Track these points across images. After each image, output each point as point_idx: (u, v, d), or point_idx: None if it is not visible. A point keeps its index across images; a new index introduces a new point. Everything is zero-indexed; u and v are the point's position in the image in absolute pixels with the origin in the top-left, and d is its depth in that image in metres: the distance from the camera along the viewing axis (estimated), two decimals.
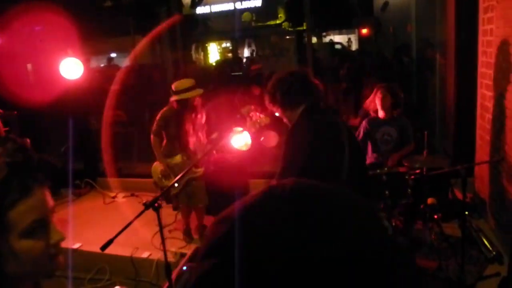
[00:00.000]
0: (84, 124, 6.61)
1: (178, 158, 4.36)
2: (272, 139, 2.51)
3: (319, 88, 2.60)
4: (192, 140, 4.35)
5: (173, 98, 4.19)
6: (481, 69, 4.38)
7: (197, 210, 4.61)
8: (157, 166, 4.43)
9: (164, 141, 4.39)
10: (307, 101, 2.55)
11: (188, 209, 4.59)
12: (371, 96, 4.37)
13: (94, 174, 6.48)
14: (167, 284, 2.78)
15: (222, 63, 11.84)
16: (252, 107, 2.59)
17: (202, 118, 4.39)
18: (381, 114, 4.28)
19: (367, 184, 2.93)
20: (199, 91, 4.20)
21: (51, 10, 5.42)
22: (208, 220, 4.72)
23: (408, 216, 3.93)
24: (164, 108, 4.34)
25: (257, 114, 2.73)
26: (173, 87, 4.20)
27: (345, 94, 7.31)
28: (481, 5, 4.29)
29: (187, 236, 4.61)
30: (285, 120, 2.64)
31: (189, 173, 4.19)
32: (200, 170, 4.38)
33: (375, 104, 4.30)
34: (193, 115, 4.29)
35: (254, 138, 3.24)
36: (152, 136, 4.35)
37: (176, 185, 4.21)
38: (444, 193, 4.37)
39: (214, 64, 13.15)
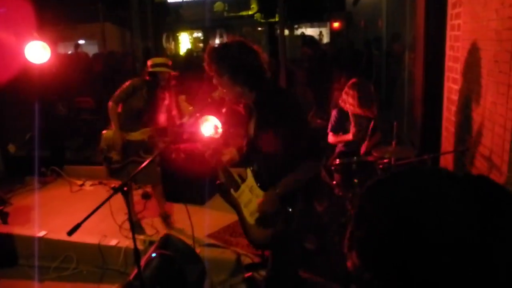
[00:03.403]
0: (51, 110, 6.43)
1: (137, 135, 4.25)
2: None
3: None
4: (160, 118, 4.32)
5: (149, 70, 4.20)
6: (448, 63, 4.48)
7: (155, 194, 4.60)
8: (108, 134, 4.26)
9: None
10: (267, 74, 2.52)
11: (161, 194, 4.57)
12: (344, 95, 4.31)
13: (60, 161, 6.33)
14: (135, 272, 2.75)
15: (192, 52, 11.72)
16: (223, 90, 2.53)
17: (171, 100, 4.38)
18: (357, 111, 4.23)
19: None
20: (171, 70, 4.23)
21: None
22: (177, 208, 4.71)
23: None
24: (135, 78, 4.27)
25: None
26: (148, 62, 4.24)
27: (305, 85, 7.23)
28: (450, 1, 4.39)
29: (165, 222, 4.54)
30: (233, 94, 2.55)
31: (135, 155, 4.23)
32: (147, 157, 4.24)
33: (349, 102, 4.24)
34: (163, 94, 4.29)
35: (224, 125, 3.24)
36: (111, 103, 4.14)
37: (116, 157, 4.21)
38: None
39: (183, 53, 13.01)
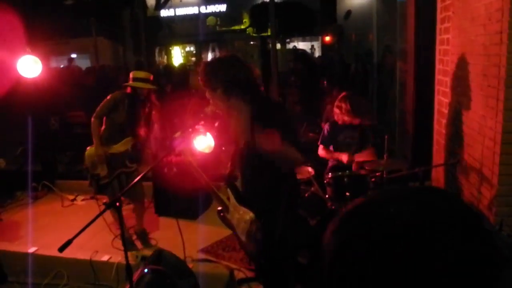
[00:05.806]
0: (43, 125, 6.40)
1: (119, 147, 4.24)
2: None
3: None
4: (142, 131, 4.33)
5: (127, 84, 4.23)
6: (438, 77, 4.54)
7: (136, 210, 4.56)
8: (91, 152, 4.26)
9: (103, 127, 4.25)
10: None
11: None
12: (336, 109, 4.33)
13: (52, 176, 6.28)
14: (128, 287, 2.73)
15: (185, 66, 11.74)
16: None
17: (150, 113, 4.39)
18: (353, 121, 4.24)
19: None
20: (151, 86, 4.23)
21: (7, 7, 5.25)
22: (169, 223, 4.68)
23: None
24: (116, 92, 4.27)
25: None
26: (130, 74, 4.27)
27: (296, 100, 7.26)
28: (438, 16, 4.46)
29: (130, 242, 4.36)
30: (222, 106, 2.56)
31: (121, 166, 4.24)
32: (134, 166, 4.31)
33: (340, 114, 4.26)
34: (144, 107, 4.30)
35: (217, 140, 3.24)
36: (93, 119, 4.16)
37: (103, 172, 4.20)
38: None
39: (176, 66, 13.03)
